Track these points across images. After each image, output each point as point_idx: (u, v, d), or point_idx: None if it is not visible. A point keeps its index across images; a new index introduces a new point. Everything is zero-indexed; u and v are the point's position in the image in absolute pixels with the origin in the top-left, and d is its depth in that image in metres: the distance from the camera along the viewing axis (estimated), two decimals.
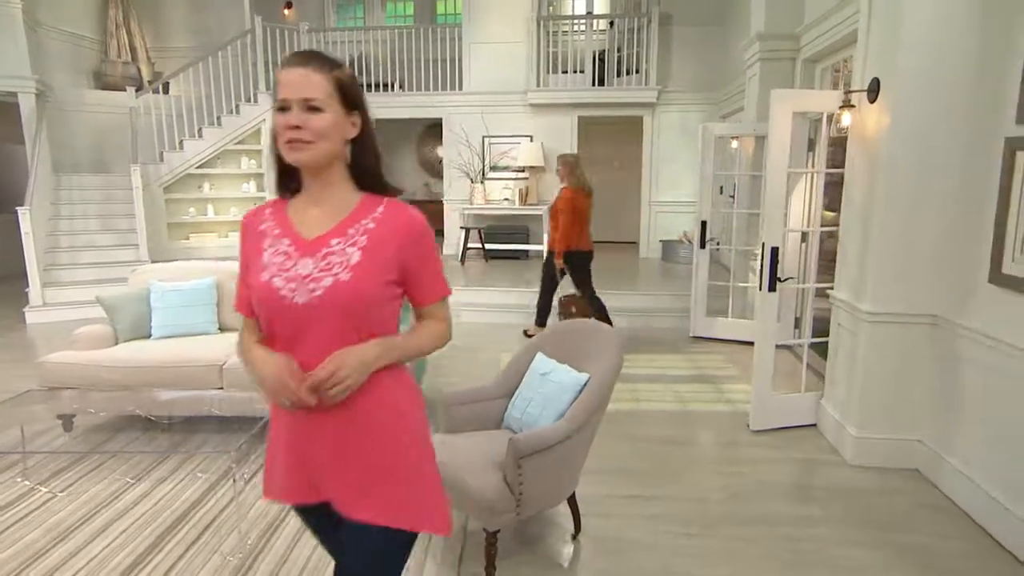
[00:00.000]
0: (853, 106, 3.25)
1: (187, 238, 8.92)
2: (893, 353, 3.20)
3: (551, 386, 2.66)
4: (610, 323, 5.21)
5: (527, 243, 8.84)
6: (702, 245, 5.61)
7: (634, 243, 9.54)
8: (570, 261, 5.26)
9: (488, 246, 8.65)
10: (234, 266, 4.25)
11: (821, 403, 3.73)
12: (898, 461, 3.24)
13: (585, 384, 2.58)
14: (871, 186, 3.20)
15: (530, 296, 6.50)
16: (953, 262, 3.01)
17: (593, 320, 2.92)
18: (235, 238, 8.95)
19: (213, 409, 3.11)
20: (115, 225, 7.57)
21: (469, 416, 2.88)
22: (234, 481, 2.50)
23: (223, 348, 3.62)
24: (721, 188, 6.91)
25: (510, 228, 8.95)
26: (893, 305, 3.15)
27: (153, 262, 7.21)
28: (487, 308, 6.51)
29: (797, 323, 5.03)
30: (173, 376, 3.41)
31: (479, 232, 8.65)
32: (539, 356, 2.85)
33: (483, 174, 9.10)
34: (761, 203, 4.43)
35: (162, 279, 4.04)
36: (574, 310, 5.48)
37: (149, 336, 3.82)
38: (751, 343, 3.85)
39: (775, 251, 3.47)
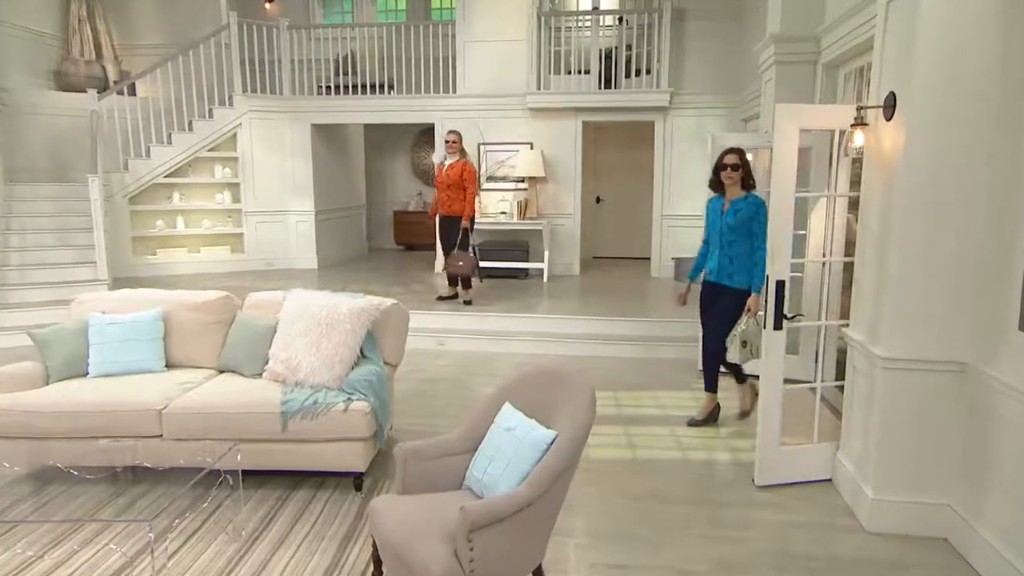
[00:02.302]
0: (866, 124, 3.15)
1: (154, 253, 8.95)
2: (914, 403, 3.06)
3: (515, 443, 2.57)
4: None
5: (527, 260, 8.74)
6: None
7: (646, 259, 9.43)
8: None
9: (483, 264, 8.56)
10: (188, 295, 4.24)
11: (837, 456, 3.60)
12: (922, 528, 3.10)
13: (552, 443, 2.49)
14: (888, 214, 3.09)
15: (532, 322, 6.48)
16: (980, 303, 2.89)
17: (566, 368, 2.84)
18: (207, 253, 9.02)
19: (145, 462, 3.04)
20: (73, 240, 7.56)
21: (429, 473, 2.79)
22: (153, 554, 2.42)
23: (164, 389, 3.53)
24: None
25: (507, 244, 8.88)
26: (913, 349, 3.02)
27: (114, 280, 7.22)
28: (480, 335, 6.42)
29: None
30: (104, 422, 3.32)
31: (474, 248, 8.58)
32: (506, 407, 2.77)
33: (478, 185, 9.05)
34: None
35: (105, 310, 3.98)
36: (460, 263, 7.11)
37: (86, 375, 3.76)
38: None
39: (780, 285, 3.36)
